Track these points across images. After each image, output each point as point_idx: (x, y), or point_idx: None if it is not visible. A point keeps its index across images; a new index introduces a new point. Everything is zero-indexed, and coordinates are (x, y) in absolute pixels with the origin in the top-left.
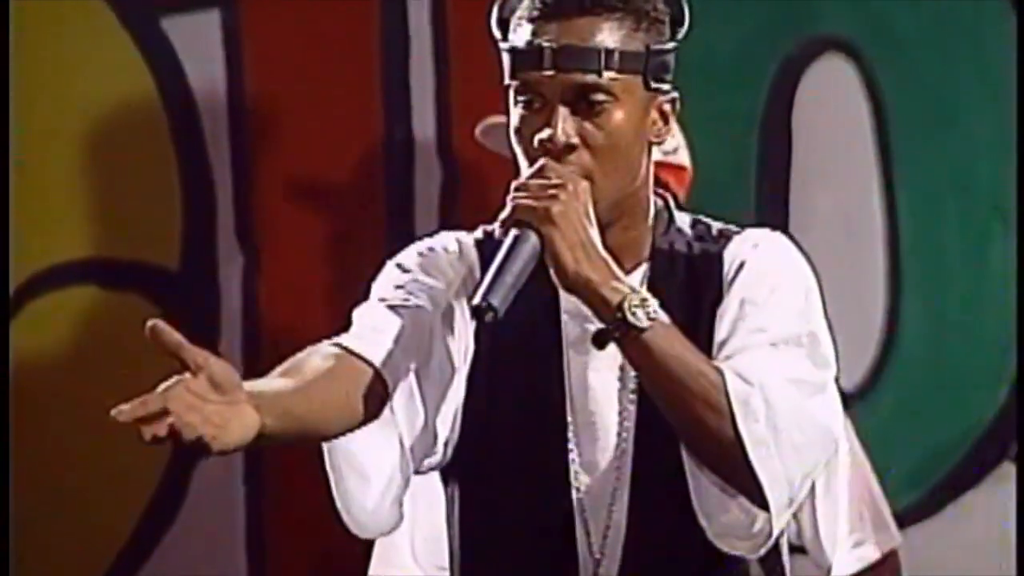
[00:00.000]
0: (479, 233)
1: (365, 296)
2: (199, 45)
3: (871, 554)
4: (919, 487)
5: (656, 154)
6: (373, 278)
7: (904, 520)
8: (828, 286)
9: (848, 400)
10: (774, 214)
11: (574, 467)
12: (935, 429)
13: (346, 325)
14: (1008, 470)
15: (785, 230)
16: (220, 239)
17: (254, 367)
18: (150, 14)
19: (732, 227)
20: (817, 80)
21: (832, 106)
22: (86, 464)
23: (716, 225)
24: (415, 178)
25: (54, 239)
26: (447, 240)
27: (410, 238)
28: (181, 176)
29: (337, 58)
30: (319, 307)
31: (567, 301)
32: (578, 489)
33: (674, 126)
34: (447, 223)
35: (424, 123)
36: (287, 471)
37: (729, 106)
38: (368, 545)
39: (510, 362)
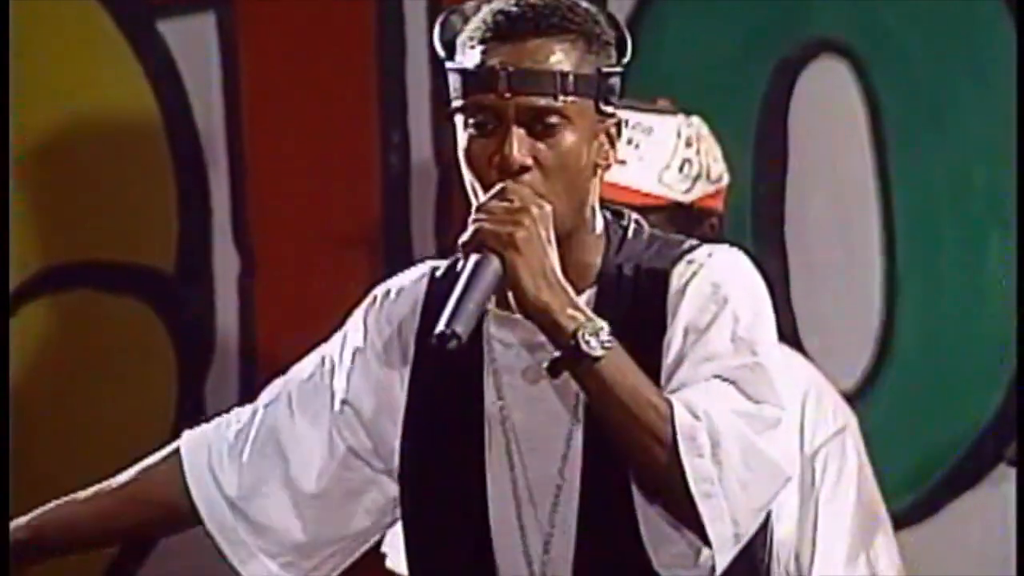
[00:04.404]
0: (442, 266)
1: (355, 305)
2: (195, 47)
3: None
4: (915, 489)
5: (710, 187)
6: (368, 282)
7: (900, 522)
8: (824, 288)
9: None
10: (770, 216)
11: (516, 492)
12: (931, 431)
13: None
14: (1005, 472)
15: (781, 232)
16: (216, 242)
17: (249, 370)
18: (146, 17)
19: (689, 244)
20: (813, 82)
21: (828, 108)
22: (82, 466)
23: (675, 243)
24: (411, 181)
25: (50, 241)
26: (394, 285)
27: (406, 241)
28: (177, 178)
29: (333, 60)
30: (315, 310)
31: (500, 330)
32: (520, 516)
33: (696, 155)
34: (443, 226)
35: (420, 126)
36: None
37: (725, 108)
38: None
39: (437, 396)
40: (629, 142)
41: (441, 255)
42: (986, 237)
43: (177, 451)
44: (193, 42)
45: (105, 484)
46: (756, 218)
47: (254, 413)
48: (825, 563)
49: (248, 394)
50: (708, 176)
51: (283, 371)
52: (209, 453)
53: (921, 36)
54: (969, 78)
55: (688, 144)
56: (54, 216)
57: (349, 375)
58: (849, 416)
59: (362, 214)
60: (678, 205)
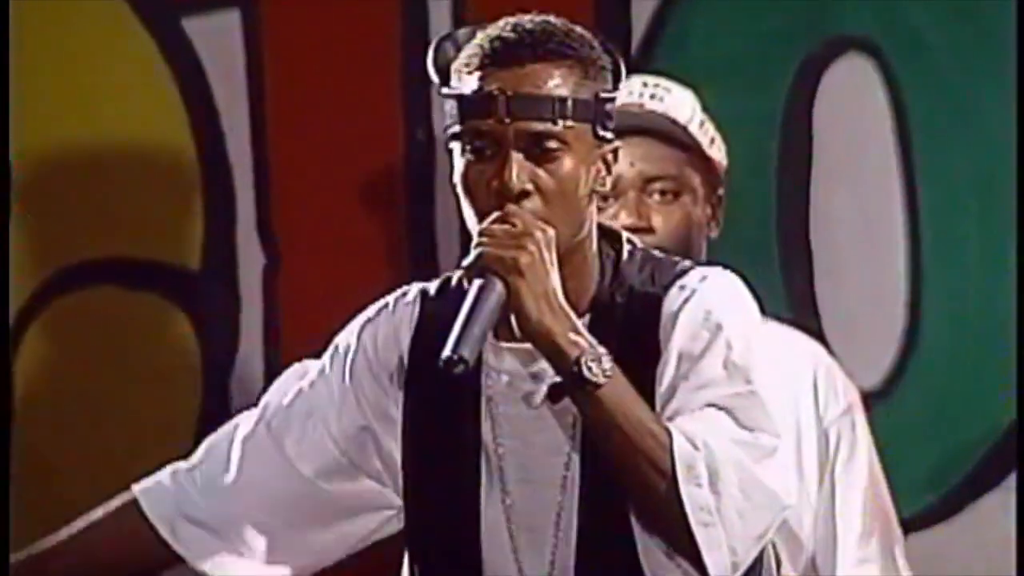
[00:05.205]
0: (432, 287)
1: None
2: (220, 45)
3: (874, 572)
4: (939, 488)
5: (721, 157)
6: (393, 280)
7: (924, 521)
8: (848, 285)
9: (868, 400)
10: (794, 213)
11: (510, 525)
12: (956, 429)
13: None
14: None
15: (805, 229)
16: (240, 239)
17: (273, 367)
18: (171, 14)
19: (681, 267)
20: (838, 80)
21: (853, 105)
22: (106, 463)
23: (668, 266)
24: (436, 178)
25: (75, 238)
26: (378, 309)
27: (431, 238)
28: (202, 176)
29: (358, 57)
30: (339, 306)
31: (497, 360)
32: (516, 549)
33: (708, 121)
34: (466, 223)
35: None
36: None
37: (749, 106)
38: (386, 544)
39: (432, 422)
40: (652, 97)
41: (465, 252)
42: (1011, 234)
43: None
44: (218, 40)
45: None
46: (780, 216)
47: (232, 458)
48: (841, 542)
49: None
50: (719, 146)
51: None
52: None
53: (946, 34)
54: (994, 76)
55: (702, 109)
56: (80, 213)
57: (339, 413)
58: (854, 391)
59: (386, 211)
60: (703, 154)
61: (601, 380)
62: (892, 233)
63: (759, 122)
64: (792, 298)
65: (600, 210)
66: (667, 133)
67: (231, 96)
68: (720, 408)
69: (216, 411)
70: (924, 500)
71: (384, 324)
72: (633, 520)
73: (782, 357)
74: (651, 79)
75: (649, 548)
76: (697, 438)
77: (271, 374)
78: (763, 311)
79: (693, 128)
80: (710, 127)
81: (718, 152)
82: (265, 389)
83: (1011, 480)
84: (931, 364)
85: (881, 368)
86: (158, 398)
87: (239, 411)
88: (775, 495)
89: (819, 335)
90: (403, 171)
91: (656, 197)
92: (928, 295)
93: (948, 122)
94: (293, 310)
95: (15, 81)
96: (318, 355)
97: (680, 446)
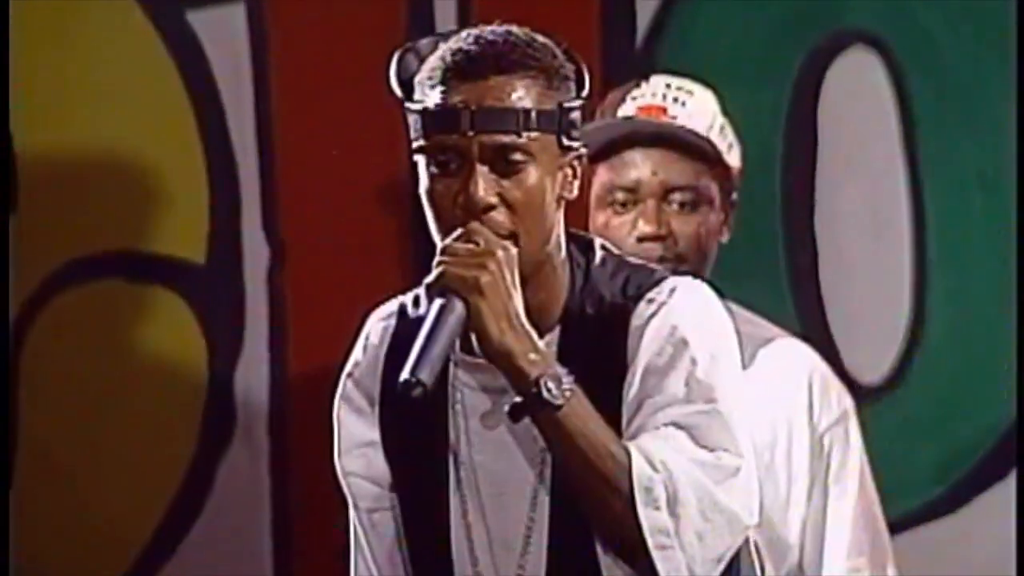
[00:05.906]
0: (409, 299)
1: (384, 298)
2: (225, 39)
3: None
4: (944, 481)
5: (738, 161)
6: (397, 274)
7: (928, 515)
8: (853, 279)
9: (874, 395)
10: (799, 208)
11: (481, 538)
12: (961, 424)
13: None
14: None
15: (810, 224)
16: (246, 233)
17: (279, 362)
18: (176, 8)
19: (654, 278)
20: (843, 73)
21: (858, 99)
22: (112, 456)
23: (640, 276)
24: None
25: (81, 232)
26: (359, 349)
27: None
28: (207, 170)
29: (363, 52)
30: (344, 302)
31: (465, 375)
32: (475, 563)
33: (727, 124)
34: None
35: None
36: (314, 463)
37: (754, 101)
38: None
39: (404, 437)
40: (675, 100)
41: None
42: (1016, 230)
43: None
44: (223, 33)
45: None
46: (786, 209)
47: None
48: (830, 551)
49: (278, 385)
50: (736, 149)
51: (312, 363)
52: None
53: (951, 27)
54: (999, 70)
55: (723, 113)
56: (84, 207)
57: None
58: (849, 401)
59: (392, 206)
60: (721, 162)
61: (560, 401)
62: (897, 227)
63: (764, 117)
64: (797, 293)
65: (618, 215)
66: (690, 144)
67: (236, 90)
68: (680, 427)
69: (220, 405)
70: (928, 494)
71: (363, 364)
72: (598, 545)
73: (777, 363)
74: (674, 80)
75: (611, 569)
76: (656, 459)
77: (275, 368)
78: (766, 311)
79: (714, 136)
80: (729, 131)
81: (735, 157)
82: (271, 382)
83: (1016, 473)
84: (936, 358)
85: (885, 363)
86: (162, 391)
87: (242, 406)
88: (736, 516)
89: (824, 330)
90: (408, 167)
91: (675, 206)
92: (932, 290)
93: (953, 116)
94: (298, 305)
95: (19, 74)
96: (321, 349)
97: (639, 467)
